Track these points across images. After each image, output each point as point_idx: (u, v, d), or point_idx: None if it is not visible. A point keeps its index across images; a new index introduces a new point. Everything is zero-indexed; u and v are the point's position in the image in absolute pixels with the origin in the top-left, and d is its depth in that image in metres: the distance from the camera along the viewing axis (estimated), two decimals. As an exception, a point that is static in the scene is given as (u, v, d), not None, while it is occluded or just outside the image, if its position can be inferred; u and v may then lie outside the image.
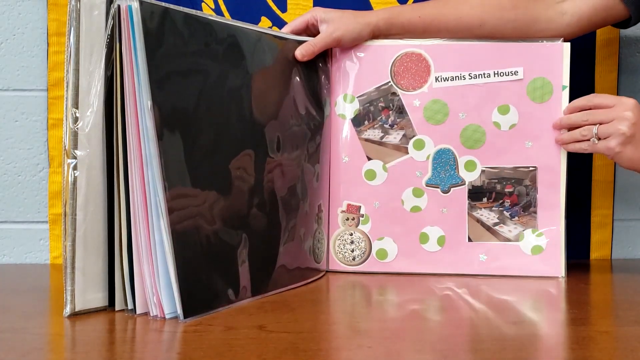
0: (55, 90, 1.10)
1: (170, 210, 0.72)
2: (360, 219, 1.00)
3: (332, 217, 1.00)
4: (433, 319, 0.78)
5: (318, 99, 0.97)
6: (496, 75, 0.97)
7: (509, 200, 0.98)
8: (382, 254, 0.99)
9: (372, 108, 0.99)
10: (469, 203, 0.98)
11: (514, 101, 0.97)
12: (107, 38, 0.75)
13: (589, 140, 0.92)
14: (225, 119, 0.81)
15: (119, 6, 0.74)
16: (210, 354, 0.63)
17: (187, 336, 0.68)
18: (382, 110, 0.99)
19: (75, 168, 0.74)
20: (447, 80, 0.98)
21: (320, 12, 0.97)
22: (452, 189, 0.98)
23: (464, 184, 0.98)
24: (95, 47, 0.75)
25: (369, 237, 0.99)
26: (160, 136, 0.72)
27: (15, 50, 1.11)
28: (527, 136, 0.97)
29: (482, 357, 0.62)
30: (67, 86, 0.74)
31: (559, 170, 0.96)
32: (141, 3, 0.72)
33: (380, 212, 0.99)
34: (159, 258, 0.73)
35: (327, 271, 1.00)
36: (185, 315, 0.73)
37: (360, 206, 1.00)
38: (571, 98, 0.96)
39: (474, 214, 0.98)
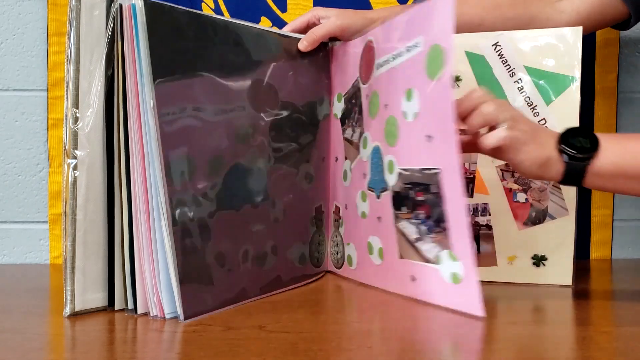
0: (55, 90, 1.10)
1: (172, 210, 0.72)
2: (340, 221, 0.97)
3: (329, 218, 1.00)
4: (432, 318, 0.78)
5: (313, 99, 0.97)
6: (407, 51, 0.79)
7: (422, 212, 0.78)
8: (350, 260, 0.95)
9: (349, 106, 0.95)
10: (393, 212, 0.83)
11: (417, 82, 0.77)
12: (108, 38, 0.75)
13: (492, 124, 0.76)
14: (229, 119, 0.80)
15: (120, 5, 0.73)
16: (210, 354, 0.63)
17: (187, 336, 0.68)
18: (352, 107, 0.94)
19: (75, 168, 0.74)
20: (382, 67, 0.85)
21: (321, 11, 0.97)
22: (381, 194, 0.85)
23: (388, 189, 0.84)
24: (96, 46, 0.75)
25: (343, 241, 0.97)
26: (163, 136, 0.72)
27: (15, 50, 1.11)
28: (429, 128, 0.76)
29: (482, 357, 0.62)
30: (67, 86, 0.74)
31: (464, 173, 0.80)
32: (145, 2, 0.72)
33: (347, 215, 0.95)
34: (160, 258, 0.73)
35: (327, 271, 1.00)
36: (186, 316, 0.73)
37: (340, 208, 0.97)
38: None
39: (399, 225, 0.82)
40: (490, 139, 0.75)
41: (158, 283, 0.73)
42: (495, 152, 0.76)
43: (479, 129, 0.76)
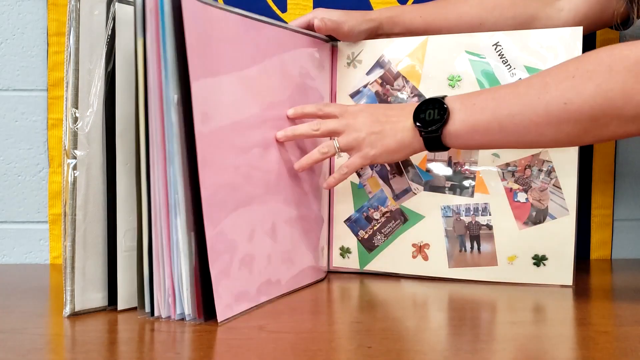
0: (55, 90, 1.10)
1: (189, 210, 0.72)
2: None
3: (332, 220, 1.01)
4: (433, 319, 0.78)
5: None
6: None
7: None
8: None
9: None
10: None
11: None
12: (108, 38, 0.75)
13: (333, 155, 0.87)
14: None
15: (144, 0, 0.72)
16: (210, 354, 0.63)
17: (187, 336, 0.68)
18: None
19: (75, 168, 0.74)
20: None
21: (323, 12, 0.97)
22: None
23: None
24: (95, 47, 0.75)
25: None
26: (187, 132, 0.71)
27: (15, 50, 1.11)
28: None
29: (482, 357, 0.62)
30: (67, 86, 0.74)
31: None
32: None
33: None
34: (175, 258, 0.73)
35: (328, 271, 1.00)
36: (195, 317, 0.72)
37: None
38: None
39: None
40: (335, 179, 0.89)
41: (175, 284, 0.73)
42: (354, 163, 0.86)
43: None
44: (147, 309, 0.75)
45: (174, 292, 0.73)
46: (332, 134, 0.86)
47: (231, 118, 0.78)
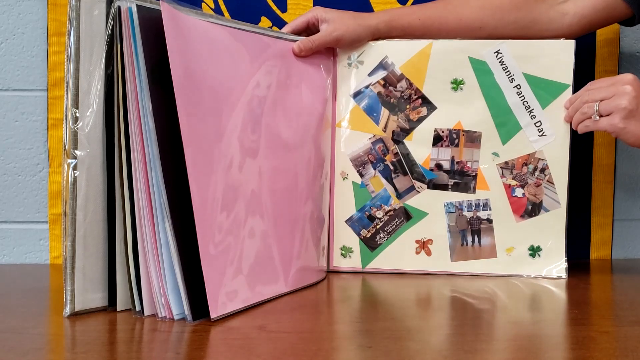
0: (55, 90, 1.10)
1: (174, 213, 0.72)
2: None
3: (332, 219, 1.02)
4: (433, 318, 0.78)
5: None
6: None
7: None
8: None
9: None
10: None
11: None
12: (107, 38, 0.75)
13: (590, 117, 0.90)
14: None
15: (119, 7, 0.73)
16: (210, 354, 0.63)
17: (187, 336, 0.68)
18: None
19: (75, 168, 0.74)
20: None
21: (321, 12, 0.97)
22: None
23: None
24: (95, 47, 0.75)
25: None
26: (162, 138, 0.72)
27: (15, 50, 1.11)
28: None
29: (482, 357, 0.62)
30: (67, 86, 0.74)
31: None
32: (141, 6, 0.72)
33: None
34: (165, 260, 0.73)
35: (328, 271, 1.00)
36: (194, 318, 0.72)
37: None
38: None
39: None
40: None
41: (165, 285, 0.73)
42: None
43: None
44: (138, 307, 0.75)
45: (166, 293, 0.73)
46: (598, 100, 0.90)
47: (220, 120, 0.78)
